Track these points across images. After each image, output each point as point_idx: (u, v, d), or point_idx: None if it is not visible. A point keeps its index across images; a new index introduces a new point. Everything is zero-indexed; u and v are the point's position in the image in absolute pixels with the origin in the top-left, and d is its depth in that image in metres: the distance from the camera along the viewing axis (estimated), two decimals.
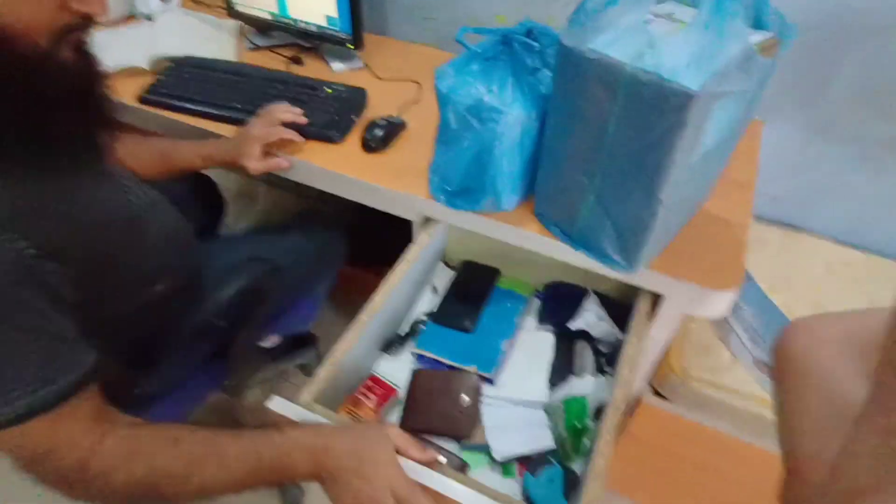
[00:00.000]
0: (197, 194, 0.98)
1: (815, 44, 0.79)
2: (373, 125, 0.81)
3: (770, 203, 0.97)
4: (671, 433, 0.86)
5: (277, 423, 0.52)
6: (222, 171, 1.14)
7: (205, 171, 1.05)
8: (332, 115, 0.84)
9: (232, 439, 0.49)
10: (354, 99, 0.87)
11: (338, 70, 0.98)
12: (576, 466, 0.61)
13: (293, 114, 0.78)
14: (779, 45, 0.54)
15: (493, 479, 0.62)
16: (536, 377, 0.70)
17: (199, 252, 0.72)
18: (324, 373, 0.60)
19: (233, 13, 1.04)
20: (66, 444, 0.46)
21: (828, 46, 0.80)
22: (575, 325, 0.72)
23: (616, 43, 0.50)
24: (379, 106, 0.89)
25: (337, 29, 0.96)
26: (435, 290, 0.82)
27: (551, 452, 0.63)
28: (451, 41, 1.04)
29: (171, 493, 0.48)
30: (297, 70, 0.98)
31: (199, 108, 0.86)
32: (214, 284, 0.73)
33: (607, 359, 0.72)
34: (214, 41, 1.03)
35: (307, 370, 1.19)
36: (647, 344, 0.69)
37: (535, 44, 0.60)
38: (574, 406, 0.63)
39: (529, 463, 0.62)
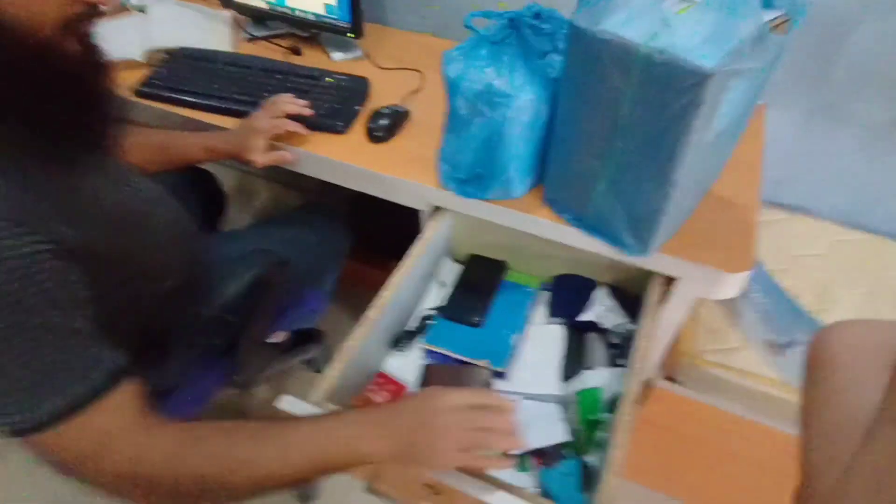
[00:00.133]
0: (197, 190, 0.97)
1: (818, 25, 0.79)
2: (377, 115, 0.80)
3: (773, 186, 0.97)
4: (684, 417, 0.86)
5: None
6: (221, 167, 1.13)
7: (205, 166, 1.04)
8: (335, 105, 0.82)
9: (290, 424, 0.49)
10: (357, 89, 0.86)
11: (337, 60, 0.97)
12: (591, 459, 0.61)
13: (298, 105, 0.77)
14: (790, 23, 0.54)
15: (509, 474, 0.62)
16: (548, 370, 0.70)
17: (205, 246, 0.71)
18: (334, 370, 0.59)
19: (227, 3, 1.02)
20: (116, 440, 0.44)
21: (831, 28, 0.79)
22: (585, 316, 0.72)
23: (629, 23, 0.50)
24: (381, 95, 0.87)
25: (336, 17, 0.94)
26: (442, 284, 0.82)
27: (566, 445, 0.63)
28: (451, 29, 1.04)
29: (234, 484, 0.46)
30: (295, 60, 0.97)
31: (198, 100, 0.85)
32: (222, 278, 0.72)
33: (619, 350, 0.72)
34: (210, 32, 1.01)
35: (314, 366, 1.18)
36: (659, 329, 0.69)
37: (545, 26, 0.59)
38: (588, 398, 0.63)
39: (545, 456, 0.62)
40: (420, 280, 0.78)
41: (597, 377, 0.63)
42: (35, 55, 0.41)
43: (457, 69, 0.62)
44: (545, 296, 0.79)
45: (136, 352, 0.60)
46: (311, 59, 0.98)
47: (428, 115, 0.84)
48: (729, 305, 0.85)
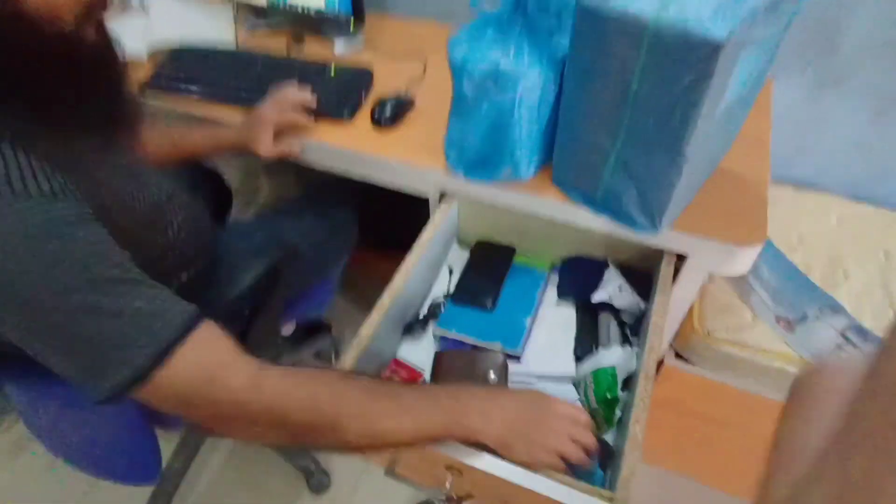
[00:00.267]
0: (205, 186, 0.97)
1: None
2: (382, 103, 0.80)
3: (780, 162, 0.97)
4: (696, 395, 0.86)
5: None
6: (223, 164, 1.13)
7: (212, 161, 1.04)
8: (340, 95, 0.82)
9: (404, 387, 0.50)
10: (360, 78, 0.86)
11: (340, 50, 0.97)
12: (609, 437, 0.62)
13: (303, 96, 0.77)
14: None
15: None
16: (562, 352, 0.70)
17: (219, 239, 0.72)
18: (349, 357, 0.59)
19: None
20: (221, 371, 0.43)
21: None
22: (597, 297, 0.71)
23: None
24: (385, 84, 0.87)
25: (336, 10, 0.94)
26: (451, 270, 0.82)
27: None
28: (453, 15, 1.03)
29: (344, 432, 0.45)
30: (298, 52, 0.97)
31: (204, 94, 0.85)
32: (233, 270, 0.72)
33: (631, 328, 0.72)
34: (212, 27, 1.01)
35: (324, 357, 1.19)
36: (670, 307, 0.69)
37: (551, 4, 0.58)
38: (603, 377, 0.63)
39: None
40: (429, 267, 0.78)
41: (611, 356, 0.63)
42: (57, 44, 0.41)
43: (462, 52, 0.62)
44: (555, 278, 0.79)
45: None
46: (313, 50, 0.98)
47: (432, 101, 0.84)
48: (739, 282, 0.85)
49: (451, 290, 0.77)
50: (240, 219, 1.02)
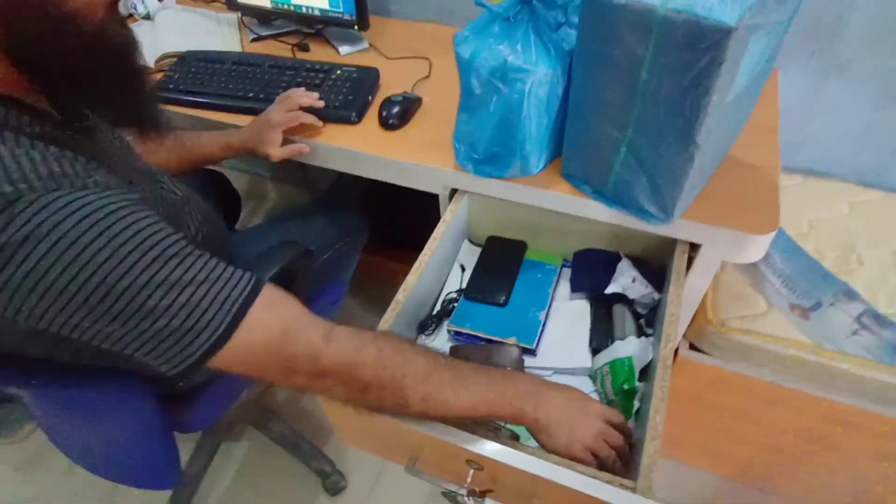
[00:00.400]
0: (213, 191, 0.98)
1: None
2: (389, 103, 0.81)
3: (788, 150, 0.97)
4: (710, 385, 0.86)
5: None
6: (230, 170, 1.14)
7: (218, 167, 1.05)
8: (347, 96, 0.83)
9: (464, 363, 0.51)
10: (367, 79, 0.86)
11: (345, 53, 0.97)
12: None
13: (311, 98, 0.77)
14: None
15: None
16: (578, 345, 0.70)
17: (231, 242, 0.72)
18: None
19: (232, 5, 1.03)
20: (293, 328, 0.44)
21: None
22: (611, 288, 0.71)
23: None
24: (391, 85, 0.88)
25: (340, 11, 0.94)
26: (463, 268, 0.82)
27: None
28: (455, 16, 1.04)
29: (408, 394, 0.47)
30: (303, 56, 0.97)
31: (211, 100, 0.86)
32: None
33: (646, 319, 0.72)
34: (216, 35, 1.02)
35: None
36: (684, 296, 0.69)
37: None
38: (620, 368, 0.63)
39: None
40: (442, 264, 0.78)
41: (627, 347, 0.63)
42: (95, 39, 0.42)
43: (469, 48, 0.62)
44: (567, 272, 0.79)
45: None
46: (318, 54, 0.98)
47: (439, 100, 0.84)
48: (751, 271, 0.84)
49: (464, 286, 0.78)
50: (250, 224, 1.03)
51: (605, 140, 0.61)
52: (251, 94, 0.85)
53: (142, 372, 0.62)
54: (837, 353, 0.75)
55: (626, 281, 0.70)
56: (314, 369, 0.45)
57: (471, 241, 0.86)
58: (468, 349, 0.70)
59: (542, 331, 0.71)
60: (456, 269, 0.82)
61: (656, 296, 0.71)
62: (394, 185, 0.82)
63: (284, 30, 1.03)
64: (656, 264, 0.75)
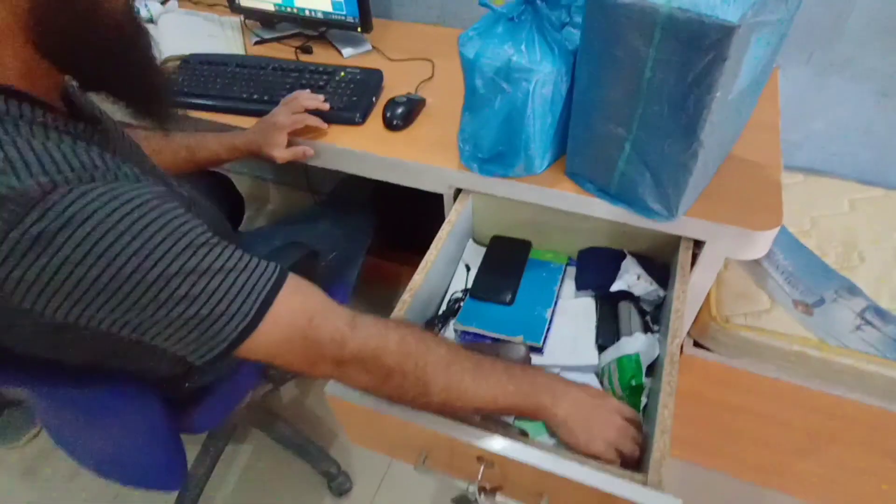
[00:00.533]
0: (217, 194, 0.98)
1: None
2: (393, 104, 0.81)
3: (789, 149, 0.98)
4: (714, 382, 0.86)
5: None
6: (233, 173, 1.14)
7: (221, 170, 1.05)
8: (351, 98, 0.83)
9: (483, 357, 0.52)
10: (371, 81, 0.87)
11: (348, 55, 0.98)
12: None
13: (315, 100, 0.78)
14: None
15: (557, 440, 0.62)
16: (584, 342, 0.70)
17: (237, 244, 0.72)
18: None
19: (235, 8, 1.04)
20: (324, 304, 0.46)
21: None
22: (616, 286, 0.72)
23: None
24: (394, 86, 0.88)
25: (344, 13, 0.95)
26: (468, 267, 0.82)
27: None
28: (457, 18, 1.05)
29: (429, 383, 0.48)
30: (307, 59, 0.98)
31: (216, 102, 0.86)
32: None
33: (652, 317, 0.72)
34: (220, 38, 1.03)
35: None
36: (689, 293, 0.70)
37: None
38: (628, 364, 0.63)
39: None
40: (447, 264, 0.78)
41: (634, 343, 0.64)
42: (117, 27, 0.44)
43: (474, 48, 0.63)
44: (572, 271, 0.79)
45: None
46: (322, 56, 0.99)
47: (443, 101, 0.85)
48: (754, 268, 0.85)
49: (470, 286, 0.78)
50: (252, 227, 1.03)
51: (609, 138, 0.62)
52: (255, 97, 0.86)
53: (150, 372, 0.63)
54: (841, 348, 0.75)
55: (632, 278, 0.71)
56: (339, 355, 0.46)
57: (475, 240, 0.86)
58: (475, 347, 0.70)
59: (548, 328, 0.71)
60: (461, 269, 0.82)
61: (661, 293, 0.71)
62: (398, 189, 0.82)
63: (287, 33, 1.04)
64: (660, 262, 0.75)
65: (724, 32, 0.47)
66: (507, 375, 0.52)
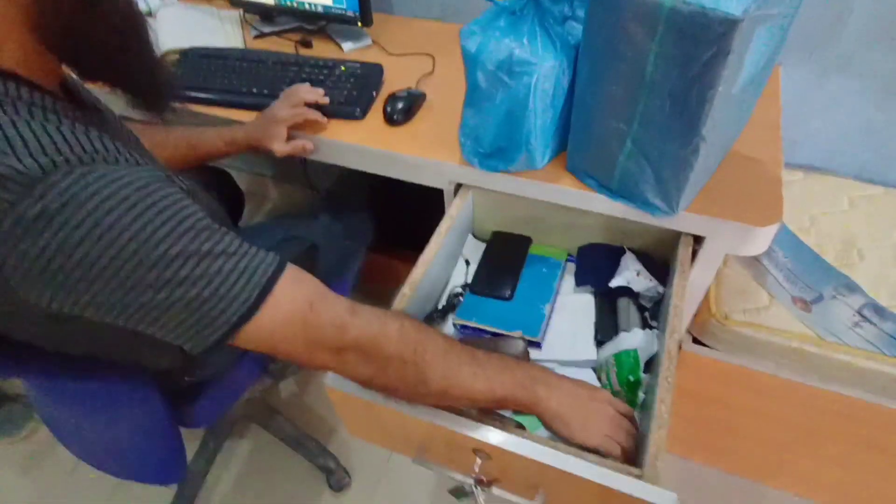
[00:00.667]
0: (217, 189, 0.98)
1: None
2: (393, 99, 0.81)
3: (789, 147, 0.98)
4: (713, 378, 0.87)
5: None
6: (232, 170, 1.13)
7: (221, 165, 1.05)
8: (351, 92, 0.83)
9: (479, 350, 0.52)
10: (371, 75, 0.87)
11: (348, 50, 0.98)
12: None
13: (315, 94, 0.77)
14: None
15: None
16: (583, 337, 0.71)
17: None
18: None
19: (234, 2, 1.03)
20: (323, 293, 0.46)
21: None
22: (615, 282, 0.72)
23: None
24: (394, 81, 0.88)
25: (344, 7, 0.95)
26: (468, 262, 0.83)
27: None
28: (458, 14, 1.04)
29: (428, 375, 0.48)
30: (307, 53, 0.98)
31: (215, 96, 0.86)
32: None
33: (650, 313, 0.72)
34: (219, 32, 1.02)
35: None
36: (688, 290, 0.70)
37: None
38: (626, 359, 0.63)
39: None
40: (447, 259, 0.78)
41: (632, 338, 0.64)
42: (117, 18, 0.44)
43: (476, 42, 0.62)
44: (572, 267, 0.79)
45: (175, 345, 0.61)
46: (321, 50, 0.99)
47: (443, 96, 0.85)
48: (753, 265, 0.85)
49: (469, 281, 0.78)
50: (253, 222, 1.03)
51: (610, 133, 0.62)
52: (255, 90, 0.85)
53: (149, 366, 0.63)
54: (839, 344, 0.75)
55: (631, 274, 0.71)
56: (339, 343, 0.45)
57: (475, 236, 0.86)
58: (474, 342, 0.70)
59: (546, 324, 0.71)
60: (461, 264, 0.82)
61: (660, 289, 0.71)
62: (398, 185, 0.82)
63: (287, 27, 1.04)
64: (660, 259, 0.75)
65: (728, 26, 0.47)
66: (504, 367, 0.52)
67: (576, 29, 0.62)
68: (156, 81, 0.52)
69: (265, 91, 0.85)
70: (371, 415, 0.57)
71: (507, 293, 0.75)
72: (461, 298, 0.76)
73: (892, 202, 0.92)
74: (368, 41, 0.99)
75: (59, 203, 0.35)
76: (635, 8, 0.50)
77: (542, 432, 0.58)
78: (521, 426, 0.61)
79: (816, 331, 0.77)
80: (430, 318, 0.75)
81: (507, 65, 0.61)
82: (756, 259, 0.85)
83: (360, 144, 0.78)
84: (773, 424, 0.89)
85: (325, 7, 0.96)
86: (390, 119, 0.80)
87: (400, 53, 0.96)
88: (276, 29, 1.03)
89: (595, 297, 0.75)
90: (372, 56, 0.95)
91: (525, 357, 0.67)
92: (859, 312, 0.77)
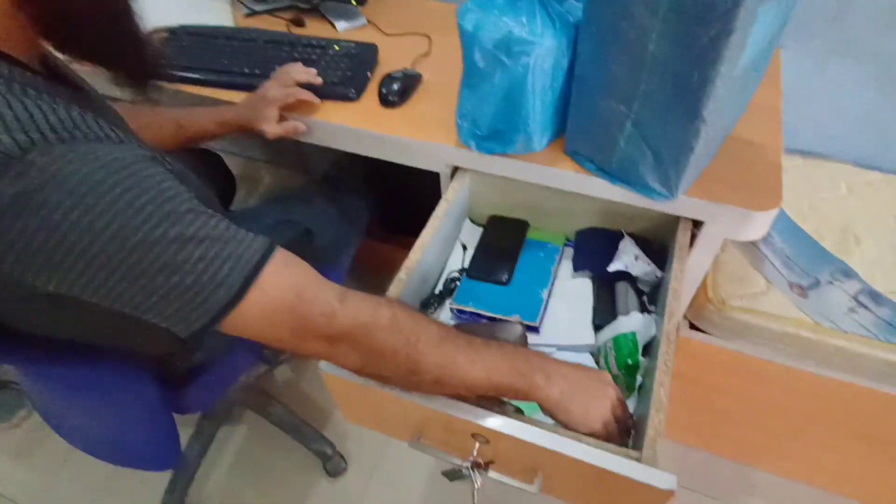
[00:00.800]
0: (207, 172, 0.96)
1: None
2: (389, 79, 0.79)
3: (788, 132, 0.97)
4: (711, 365, 0.87)
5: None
6: (224, 153, 1.11)
7: (212, 149, 1.03)
8: (346, 72, 0.81)
9: (475, 338, 0.50)
10: (366, 55, 0.85)
11: (342, 29, 0.95)
12: (629, 403, 0.62)
13: (308, 73, 0.75)
14: None
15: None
16: (581, 322, 0.70)
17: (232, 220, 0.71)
18: None
19: None
20: (313, 279, 0.44)
21: None
22: (614, 266, 0.71)
23: None
24: (390, 61, 0.86)
25: None
26: (464, 247, 0.82)
27: None
28: None
29: (421, 363, 0.46)
30: (299, 31, 0.95)
31: (205, 76, 0.83)
32: None
33: (648, 297, 0.72)
34: (208, 10, 0.99)
35: None
36: (686, 275, 0.69)
37: None
38: (624, 343, 0.63)
39: None
40: (443, 243, 0.77)
41: (631, 322, 0.64)
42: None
43: (473, 20, 0.61)
44: (569, 252, 0.79)
45: (168, 329, 0.60)
46: (315, 30, 0.96)
47: (440, 77, 0.83)
48: (751, 251, 0.85)
49: (466, 265, 0.77)
50: (247, 202, 1.01)
51: (610, 115, 0.61)
52: (245, 70, 0.83)
53: (142, 351, 0.62)
54: (835, 330, 0.76)
55: (629, 259, 0.70)
56: (329, 331, 0.44)
57: (472, 220, 0.85)
58: (472, 326, 0.70)
59: (544, 308, 0.71)
60: (458, 249, 0.81)
61: (659, 274, 0.71)
62: (394, 171, 0.80)
63: (279, 5, 1.01)
64: (658, 244, 0.75)
65: (731, 4, 0.45)
66: (501, 354, 0.50)
67: (575, 7, 0.60)
68: (142, 58, 0.50)
69: (256, 71, 0.82)
70: (367, 399, 0.57)
71: (505, 278, 0.74)
72: (458, 283, 0.75)
73: (890, 188, 0.92)
74: (363, 20, 0.97)
75: (37, 182, 0.34)
76: None
77: (541, 417, 0.58)
78: (519, 411, 0.61)
79: (813, 316, 0.77)
80: (427, 303, 0.74)
81: (505, 44, 0.59)
82: (753, 245, 0.84)
83: (355, 126, 0.76)
84: (767, 409, 0.90)
85: None
86: (385, 101, 0.78)
87: (395, 33, 0.94)
88: (267, 7, 1.01)
89: (593, 282, 0.74)
90: (366, 36, 0.92)
91: (523, 342, 0.66)
92: (855, 298, 0.77)
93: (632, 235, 0.75)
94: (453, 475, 0.59)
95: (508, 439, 0.49)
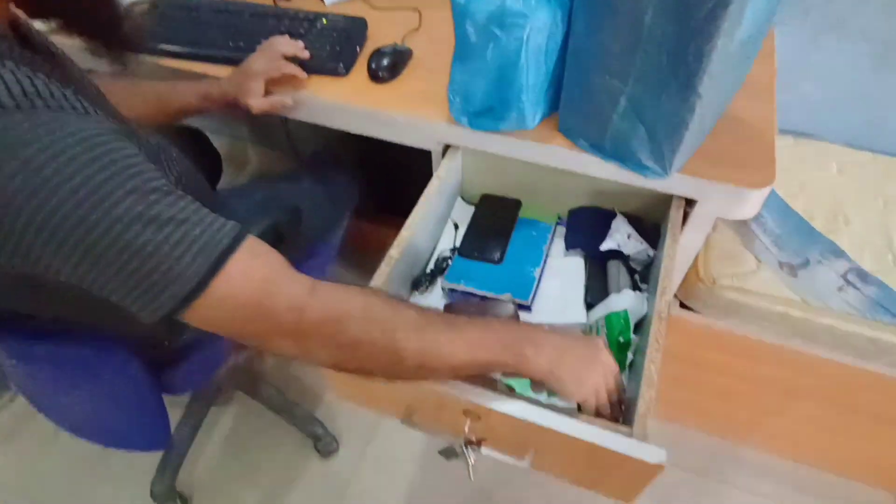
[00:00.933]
0: (192, 149, 0.93)
1: None
2: (378, 54, 0.77)
3: (781, 111, 0.96)
4: (699, 343, 0.88)
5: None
6: (210, 133, 1.09)
7: (197, 126, 1.00)
8: (334, 47, 0.79)
9: (459, 317, 0.49)
10: (354, 29, 0.82)
11: (330, 2, 0.92)
12: (622, 380, 0.62)
13: (294, 46, 0.73)
14: None
15: (544, 396, 0.62)
16: (573, 300, 0.70)
17: (216, 200, 0.69)
18: None
19: None
20: (276, 282, 0.41)
21: None
22: (606, 245, 0.71)
23: None
24: (379, 36, 0.84)
25: None
26: (456, 225, 0.81)
27: None
28: None
29: (402, 350, 0.44)
30: (285, 5, 0.92)
31: (187, 49, 0.81)
32: None
33: (640, 276, 0.72)
34: None
35: None
36: (678, 254, 0.69)
37: None
38: (616, 320, 0.63)
39: None
40: (435, 222, 0.77)
41: (622, 300, 0.64)
42: None
43: None
44: (562, 230, 0.78)
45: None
46: (302, 2, 0.93)
47: (430, 52, 0.81)
48: (742, 230, 0.85)
49: (458, 244, 0.77)
50: (234, 183, 0.99)
51: (604, 91, 0.60)
52: (230, 44, 0.80)
53: (126, 330, 0.60)
54: (823, 308, 0.76)
55: (622, 237, 0.70)
56: (298, 327, 0.42)
57: (464, 199, 0.84)
58: (463, 305, 0.69)
59: (536, 287, 0.70)
60: (449, 227, 0.81)
61: (651, 252, 0.71)
62: (385, 148, 0.79)
63: None
64: (651, 222, 0.74)
65: None
66: (486, 329, 0.49)
67: None
68: (118, 26, 0.48)
69: (241, 44, 0.80)
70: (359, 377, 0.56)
71: (497, 256, 0.74)
72: (450, 262, 0.75)
73: (879, 168, 0.92)
74: None
75: None
76: None
77: (532, 395, 0.58)
78: (511, 388, 0.61)
79: (802, 295, 0.78)
80: (418, 282, 0.73)
81: (498, 16, 0.58)
82: (744, 224, 0.85)
83: (343, 102, 0.74)
84: (755, 386, 0.91)
85: None
86: (375, 76, 0.76)
87: (385, 7, 0.91)
88: None
89: (585, 261, 0.74)
90: (355, 9, 0.90)
91: (514, 319, 0.66)
92: (844, 277, 0.78)
93: (624, 214, 0.75)
94: (449, 453, 0.59)
95: (499, 416, 0.49)
